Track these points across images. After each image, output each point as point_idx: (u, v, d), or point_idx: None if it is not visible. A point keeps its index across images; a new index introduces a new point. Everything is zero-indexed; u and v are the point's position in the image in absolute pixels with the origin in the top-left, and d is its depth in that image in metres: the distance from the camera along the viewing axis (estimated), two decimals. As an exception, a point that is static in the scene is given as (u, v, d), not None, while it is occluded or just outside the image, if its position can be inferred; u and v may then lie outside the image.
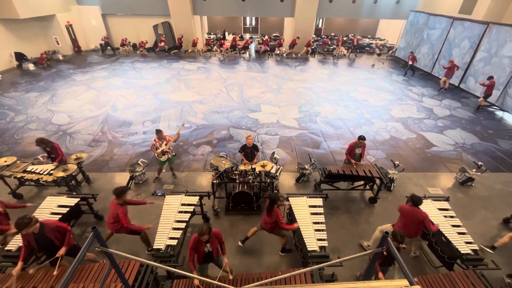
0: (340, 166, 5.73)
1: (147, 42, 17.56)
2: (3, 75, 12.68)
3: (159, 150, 5.72)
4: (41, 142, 5.56)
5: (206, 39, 18.39)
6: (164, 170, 6.47)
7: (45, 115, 9.03)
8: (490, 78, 9.87)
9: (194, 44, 17.21)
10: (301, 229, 4.19)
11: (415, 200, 3.98)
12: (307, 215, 4.44)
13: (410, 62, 13.68)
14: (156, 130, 5.71)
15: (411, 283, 1.91)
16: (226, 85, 11.93)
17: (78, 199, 4.79)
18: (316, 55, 17.88)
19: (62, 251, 3.37)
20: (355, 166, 5.62)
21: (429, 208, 4.67)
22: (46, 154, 5.81)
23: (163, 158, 5.83)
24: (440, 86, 12.24)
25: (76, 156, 5.74)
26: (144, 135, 8.06)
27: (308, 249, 3.90)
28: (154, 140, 5.73)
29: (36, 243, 3.37)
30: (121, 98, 10.50)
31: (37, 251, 3.57)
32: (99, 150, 7.35)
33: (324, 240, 4.05)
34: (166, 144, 5.77)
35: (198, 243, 3.39)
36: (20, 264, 3.28)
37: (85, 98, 10.49)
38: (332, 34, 22.70)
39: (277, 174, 5.65)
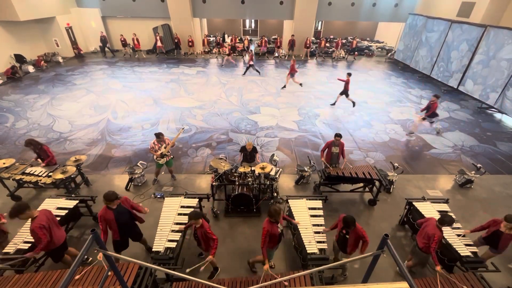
0: (339, 168, 5.74)
1: (135, 36, 16.68)
2: (2, 76, 12.65)
3: (158, 153, 5.69)
4: (29, 143, 5.53)
5: (204, 39, 18.22)
6: (162, 173, 6.46)
7: (46, 121, 8.87)
8: (348, 75, 9.70)
9: (191, 44, 17.15)
10: (300, 232, 4.18)
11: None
12: (307, 217, 4.44)
13: (251, 62, 13.24)
14: (156, 133, 5.67)
15: (411, 286, 1.91)
16: (226, 89, 11.89)
17: (77, 201, 4.79)
18: (316, 58, 17.96)
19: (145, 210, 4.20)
20: (330, 169, 5.68)
21: (428, 210, 4.68)
22: (35, 155, 5.77)
23: (162, 161, 5.81)
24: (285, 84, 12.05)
25: (75, 158, 5.72)
26: (143, 137, 8.05)
27: (308, 251, 3.90)
28: (153, 142, 5.69)
29: (116, 220, 3.76)
30: (121, 103, 10.41)
31: (116, 231, 3.88)
32: (98, 152, 7.34)
33: (323, 242, 4.04)
34: (165, 147, 5.75)
35: (272, 226, 3.57)
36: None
37: (84, 102, 10.42)
38: (331, 36, 22.80)
39: (277, 176, 5.65)
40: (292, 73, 11.52)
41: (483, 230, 4.17)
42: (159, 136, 5.65)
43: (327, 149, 5.93)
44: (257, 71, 13.83)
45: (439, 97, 7.97)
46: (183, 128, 6.43)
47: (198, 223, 3.58)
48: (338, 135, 5.71)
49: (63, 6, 15.63)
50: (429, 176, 6.73)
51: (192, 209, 4.59)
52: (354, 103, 10.15)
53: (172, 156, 6.11)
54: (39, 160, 5.79)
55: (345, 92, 9.87)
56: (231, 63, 15.90)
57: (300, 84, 12.02)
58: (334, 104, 10.38)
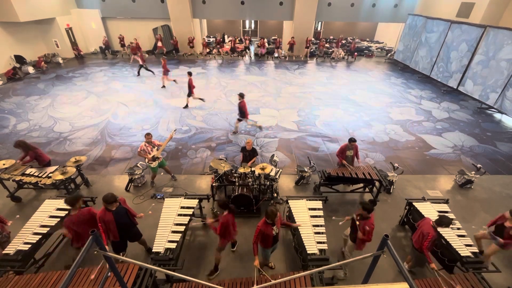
0: (340, 169, 5.74)
1: (136, 40, 16.86)
2: (2, 77, 12.67)
3: (150, 156, 5.60)
4: (18, 145, 5.51)
5: (203, 42, 18.12)
6: (162, 173, 6.45)
7: (47, 123, 8.84)
8: (189, 74, 9.72)
9: (191, 44, 17.02)
10: (300, 232, 4.18)
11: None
12: (307, 218, 4.43)
13: (141, 62, 13.26)
14: (146, 133, 5.62)
15: (411, 287, 1.91)
16: (226, 92, 11.84)
17: (77, 202, 4.77)
18: (316, 59, 17.98)
19: (140, 215, 4.25)
20: (349, 169, 5.66)
21: (428, 210, 4.67)
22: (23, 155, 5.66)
23: (154, 164, 5.70)
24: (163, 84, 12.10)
25: (75, 158, 5.71)
26: (143, 137, 8.02)
27: (308, 252, 3.89)
28: (145, 144, 5.60)
29: (116, 222, 3.78)
30: (121, 104, 10.35)
31: (116, 233, 3.89)
32: (98, 153, 7.34)
33: (323, 243, 4.04)
34: (157, 150, 5.68)
35: (267, 227, 3.59)
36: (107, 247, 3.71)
37: (85, 103, 10.39)
38: (331, 37, 22.83)
39: (277, 176, 5.65)
40: (165, 72, 11.73)
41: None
42: (147, 135, 5.57)
43: (342, 153, 5.92)
44: (140, 71, 13.68)
45: (243, 95, 7.86)
46: (175, 130, 6.39)
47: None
48: (352, 140, 5.70)
49: (63, 7, 15.65)
50: (429, 176, 6.73)
51: (192, 210, 4.62)
52: (187, 106, 10.09)
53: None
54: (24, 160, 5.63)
55: (189, 93, 9.90)
56: (137, 62, 14.95)
57: (163, 87, 12.03)
58: (186, 107, 10.11)
